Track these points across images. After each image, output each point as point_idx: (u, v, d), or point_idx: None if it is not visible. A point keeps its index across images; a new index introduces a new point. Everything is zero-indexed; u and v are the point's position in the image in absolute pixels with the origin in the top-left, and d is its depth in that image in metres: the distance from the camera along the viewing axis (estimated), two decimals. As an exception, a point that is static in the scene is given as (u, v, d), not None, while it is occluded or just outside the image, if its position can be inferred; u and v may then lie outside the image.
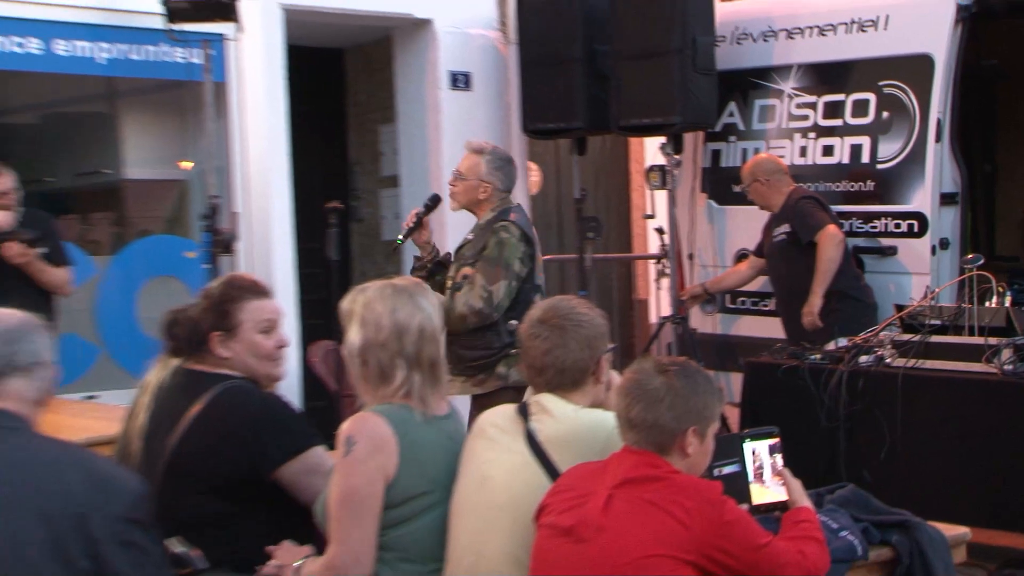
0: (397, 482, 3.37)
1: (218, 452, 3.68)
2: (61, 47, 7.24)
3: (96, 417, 5.10)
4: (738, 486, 3.39)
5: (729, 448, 3.43)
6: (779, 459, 3.49)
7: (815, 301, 6.91)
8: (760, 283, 7.83)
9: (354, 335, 3.51)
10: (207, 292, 4.01)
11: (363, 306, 3.53)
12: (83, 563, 2.53)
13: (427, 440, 3.45)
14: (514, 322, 5.57)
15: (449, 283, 5.76)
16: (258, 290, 3.96)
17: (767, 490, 3.44)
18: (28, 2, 7.03)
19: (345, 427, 3.41)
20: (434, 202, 5.98)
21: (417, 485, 3.41)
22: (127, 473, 2.78)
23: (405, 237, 5.84)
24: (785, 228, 7.17)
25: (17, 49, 7.10)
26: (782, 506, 3.40)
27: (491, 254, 5.67)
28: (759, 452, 3.47)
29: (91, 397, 6.77)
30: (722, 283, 7.98)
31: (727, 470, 3.41)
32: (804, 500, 3.40)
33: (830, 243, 6.93)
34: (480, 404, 5.57)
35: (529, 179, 9.02)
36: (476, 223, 5.90)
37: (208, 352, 3.86)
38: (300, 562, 3.46)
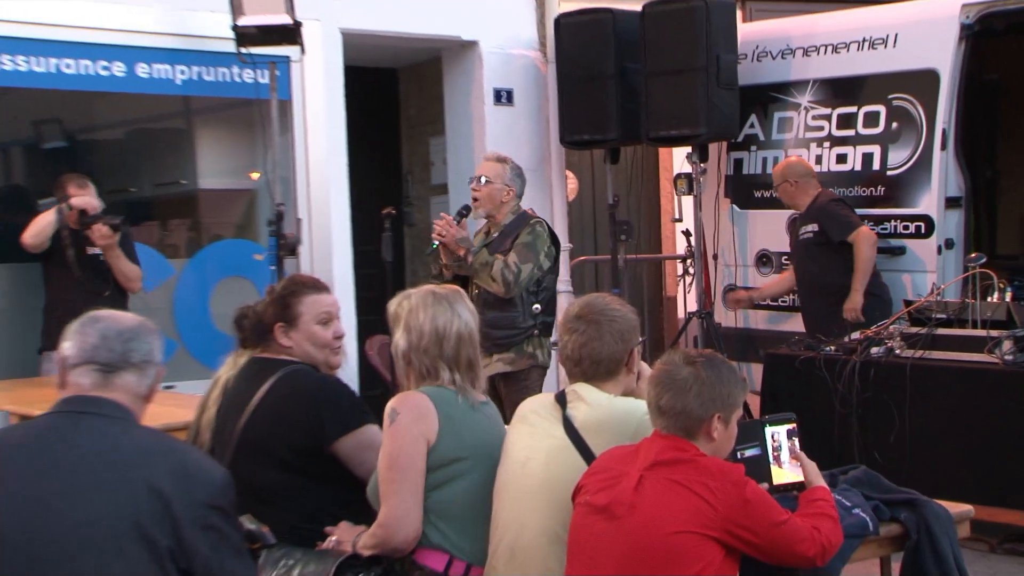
0: (436, 447, 3.42)
1: (281, 426, 3.73)
2: (142, 70, 7.27)
3: (174, 405, 5.14)
4: (759, 468, 3.38)
5: (751, 433, 3.43)
6: (796, 443, 3.48)
7: (856, 298, 6.83)
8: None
9: (400, 339, 3.59)
10: (271, 288, 4.10)
11: (407, 312, 3.59)
12: (165, 542, 2.56)
13: (464, 414, 3.50)
14: (537, 306, 5.90)
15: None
16: (317, 286, 4.02)
17: (785, 471, 3.43)
18: (113, 29, 7.07)
19: (390, 403, 3.48)
20: (467, 210, 6.07)
21: (454, 450, 3.45)
22: (214, 464, 2.79)
23: (440, 243, 5.95)
24: (812, 227, 7.11)
25: (103, 72, 7.15)
26: (799, 486, 3.39)
27: (524, 240, 5.87)
28: (778, 436, 3.46)
29: (169, 387, 6.79)
30: (765, 292, 7.86)
31: (749, 453, 3.40)
32: (819, 480, 3.39)
33: (866, 243, 6.88)
34: (511, 385, 5.84)
35: (567, 186, 9.02)
36: (496, 225, 6.04)
37: (273, 342, 3.93)
38: (357, 536, 3.50)
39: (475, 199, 6.04)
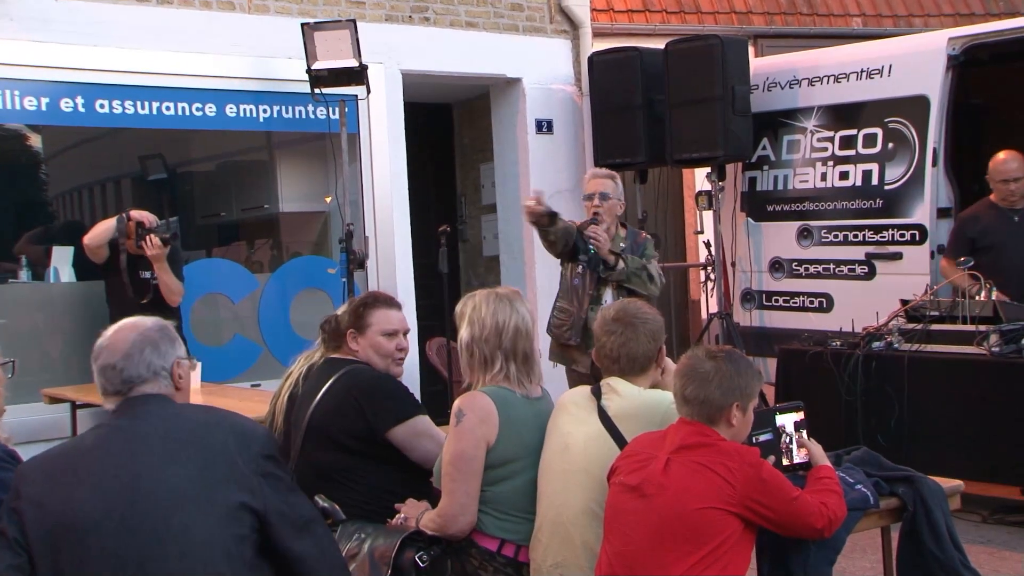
0: (496, 448, 3.41)
1: (341, 415, 3.76)
2: (230, 110, 7.38)
3: (259, 401, 5.19)
4: (771, 450, 3.38)
5: (764, 420, 3.42)
6: (804, 428, 3.47)
7: None
8: (793, 285, 7.80)
9: (464, 332, 3.57)
10: (352, 299, 4.14)
11: (472, 309, 3.59)
12: (239, 492, 2.63)
13: (522, 416, 3.48)
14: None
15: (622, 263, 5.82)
16: (389, 303, 4.04)
17: (793, 453, 3.43)
18: (205, 75, 7.18)
19: (457, 402, 3.46)
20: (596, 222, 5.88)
21: (512, 452, 3.44)
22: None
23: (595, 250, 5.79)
24: None
25: (197, 112, 7.25)
26: (806, 466, 3.39)
27: (653, 253, 5.93)
28: (788, 422, 3.46)
29: (256, 385, 6.87)
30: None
31: (763, 438, 3.40)
32: (824, 460, 3.39)
33: None
34: None
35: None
36: (616, 235, 5.90)
37: (345, 345, 3.98)
38: (421, 514, 3.52)
39: (596, 214, 5.80)
